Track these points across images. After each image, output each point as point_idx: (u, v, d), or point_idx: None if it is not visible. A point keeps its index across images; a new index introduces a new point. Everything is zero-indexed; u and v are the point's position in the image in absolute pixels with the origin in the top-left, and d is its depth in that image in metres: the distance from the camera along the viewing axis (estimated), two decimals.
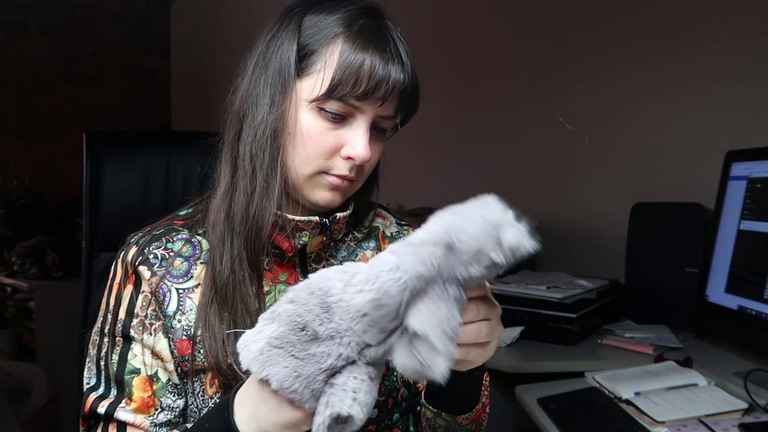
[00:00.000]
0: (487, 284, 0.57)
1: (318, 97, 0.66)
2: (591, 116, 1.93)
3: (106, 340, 0.71)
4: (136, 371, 0.69)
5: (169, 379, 0.70)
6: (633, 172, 1.83)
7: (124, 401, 0.68)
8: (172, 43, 4.14)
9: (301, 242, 0.73)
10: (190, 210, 0.79)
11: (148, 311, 0.70)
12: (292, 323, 0.49)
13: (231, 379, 0.67)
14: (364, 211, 0.83)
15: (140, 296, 0.70)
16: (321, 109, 0.67)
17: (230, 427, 0.55)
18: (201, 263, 0.72)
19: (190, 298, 0.70)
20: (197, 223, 0.75)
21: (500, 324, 0.58)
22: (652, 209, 1.65)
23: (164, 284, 0.70)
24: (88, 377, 0.72)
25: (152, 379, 0.69)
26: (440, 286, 0.48)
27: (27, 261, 2.88)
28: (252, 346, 0.50)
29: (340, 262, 0.79)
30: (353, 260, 0.80)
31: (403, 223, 0.88)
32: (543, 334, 1.50)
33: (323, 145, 0.68)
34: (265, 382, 0.50)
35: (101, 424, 0.69)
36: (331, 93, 0.66)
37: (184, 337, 0.69)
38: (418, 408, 0.82)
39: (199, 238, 0.74)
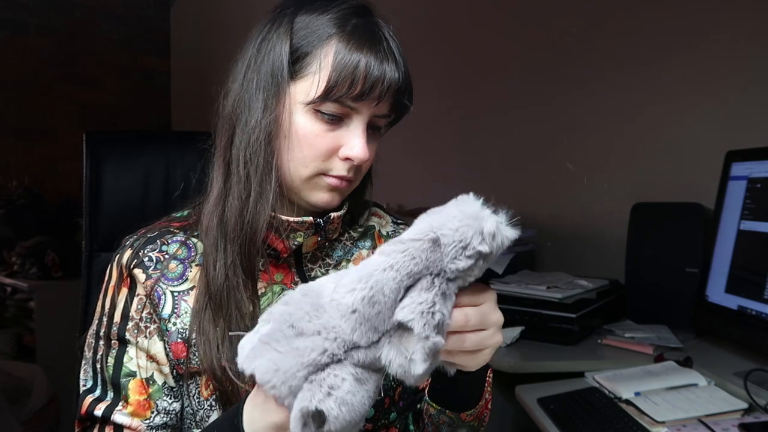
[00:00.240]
0: (492, 293, 0.56)
1: (314, 100, 0.66)
2: (591, 116, 1.93)
3: (101, 343, 0.71)
4: (132, 374, 0.69)
5: (164, 382, 0.70)
6: (633, 172, 1.83)
7: (120, 404, 0.68)
8: (172, 43, 4.14)
9: (295, 243, 0.72)
10: (185, 212, 0.78)
11: (143, 314, 0.70)
12: (282, 322, 0.50)
13: (226, 383, 0.67)
14: (359, 211, 0.83)
15: (135, 299, 0.70)
16: (317, 111, 0.67)
17: (238, 429, 0.56)
18: (196, 265, 0.72)
19: (185, 301, 0.70)
20: (192, 225, 0.75)
21: (498, 333, 0.56)
22: (652, 209, 1.65)
23: (159, 287, 0.70)
24: (84, 379, 0.72)
25: (148, 382, 0.69)
26: (428, 280, 0.50)
27: (27, 261, 2.89)
28: (247, 345, 0.50)
29: (336, 262, 0.79)
30: (349, 259, 0.80)
31: (399, 222, 0.88)
32: (543, 334, 1.50)
33: (320, 147, 0.68)
34: (260, 389, 0.51)
35: (98, 426, 0.69)
36: (327, 95, 0.65)
37: (179, 340, 0.69)
38: (418, 406, 0.82)
39: (194, 240, 0.74)
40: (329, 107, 0.66)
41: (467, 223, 0.50)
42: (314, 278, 0.67)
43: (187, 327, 0.69)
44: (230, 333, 0.67)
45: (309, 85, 0.66)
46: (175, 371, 0.70)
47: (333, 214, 0.73)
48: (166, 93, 4.12)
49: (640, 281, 1.65)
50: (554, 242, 2.01)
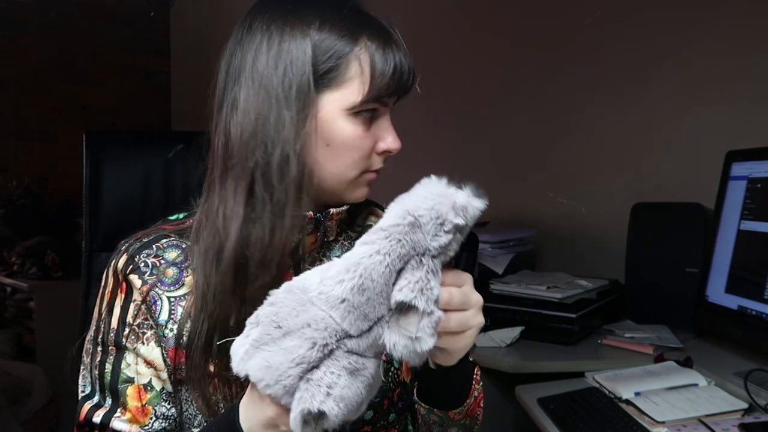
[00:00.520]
0: (469, 279, 0.59)
1: (361, 102, 0.66)
2: (591, 116, 1.93)
3: (99, 349, 0.71)
4: (130, 380, 0.69)
5: (163, 388, 0.70)
6: (633, 172, 1.83)
7: (119, 411, 0.68)
8: (172, 43, 4.14)
9: (293, 240, 0.71)
10: (180, 215, 0.78)
11: (140, 320, 0.69)
12: (269, 323, 0.51)
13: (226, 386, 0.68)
14: (358, 210, 0.83)
15: (132, 305, 0.70)
16: (357, 114, 0.67)
17: (234, 427, 0.56)
18: (192, 269, 0.71)
19: (182, 306, 0.70)
20: (188, 229, 0.73)
21: (480, 315, 0.59)
22: (652, 209, 1.65)
23: (155, 292, 0.69)
24: (83, 385, 0.72)
25: (146, 388, 0.69)
26: (416, 260, 0.52)
27: (27, 261, 2.88)
28: (239, 350, 0.51)
29: None
30: None
31: None
32: (543, 334, 1.50)
33: (365, 147, 0.69)
34: (254, 388, 0.51)
35: None
36: (370, 96, 0.66)
37: (175, 346, 0.69)
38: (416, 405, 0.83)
39: (189, 243, 0.72)
40: (368, 106, 0.67)
41: (439, 201, 0.53)
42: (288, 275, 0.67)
43: (184, 333, 0.68)
44: (218, 342, 0.66)
45: (349, 91, 0.66)
46: (173, 376, 0.69)
47: (332, 210, 0.72)
48: (166, 93, 4.12)
49: (640, 281, 1.65)
50: (554, 242, 2.01)
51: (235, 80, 0.68)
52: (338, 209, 0.73)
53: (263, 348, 0.50)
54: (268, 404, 0.52)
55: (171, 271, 0.71)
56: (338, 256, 0.78)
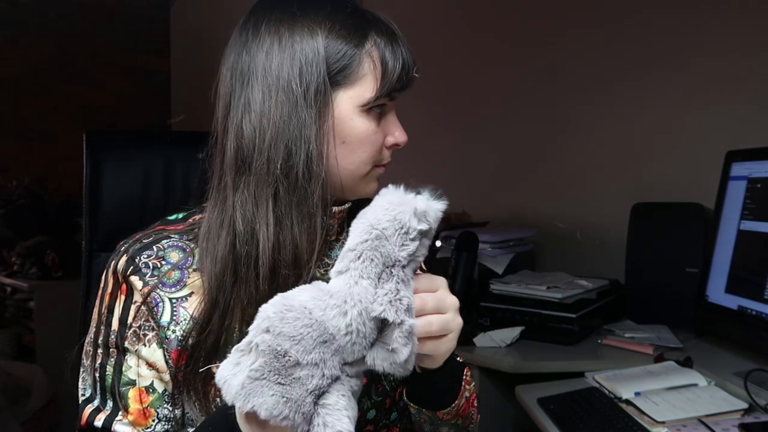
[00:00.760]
0: (442, 281, 0.62)
1: (375, 98, 0.67)
2: (591, 117, 1.94)
3: (100, 351, 0.70)
4: (132, 383, 0.68)
5: (165, 390, 0.69)
6: (633, 172, 1.83)
7: (120, 414, 0.68)
8: (172, 43, 4.14)
9: (321, 239, 0.71)
10: (180, 215, 0.77)
11: (141, 322, 0.69)
12: (272, 352, 0.50)
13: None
14: (357, 208, 0.83)
15: (132, 307, 0.69)
16: (370, 110, 0.68)
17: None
18: (194, 271, 0.70)
19: (184, 308, 0.69)
20: (189, 230, 0.73)
21: (458, 316, 0.61)
22: (652, 209, 1.65)
23: (157, 294, 0.69)
24: (83, 388, 0.72)
25: (148, 390, 0.68)
26: (386, 273, 0.54)
27: (27, 261, 2.88)
28: (232, 380, 0.50)
29: (335, 261, 0.78)
30: None
31: None
32: (543, 334, 1.51)
33: (377, 142, 0.70)
34: (251, 415, 0.50)
35: None
36: (382, 91, 0.67)
37: (179, 348, 0.68)
38: None
39: (191, 244, 0.72)
40: (380, 102, 0.68)
41: (400, 210, 0.55)
42: (313, 278, 0.67)
43: (186, 334, 0.68)
44: (200, 370, 0.66)
45: (363, 88, 0.67)
46: (175, 378, 0.69)
47: (335, 208, 0.72)
48: (166, 93, 4.12)
49: (640, 281, 1.65)
50: (554, 242, 2.01)
51: (245, 83, 0.67)
52: (340, 207, 0.73)
53: (270, 379, 0.49)
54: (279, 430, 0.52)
55: (173, 273, 0.70)
56: (338, 255, 0.78)
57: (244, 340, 0.51)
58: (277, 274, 0.66)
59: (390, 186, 0.58)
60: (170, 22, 4.13)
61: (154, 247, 0.71)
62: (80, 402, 0.71)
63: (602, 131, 1.91)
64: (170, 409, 0.69)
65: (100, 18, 3.76)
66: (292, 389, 0.49)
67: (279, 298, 0.53)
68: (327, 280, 0.57)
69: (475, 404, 0.80)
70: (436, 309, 0.59)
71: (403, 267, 0.55)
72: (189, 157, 1.08)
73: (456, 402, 0.73)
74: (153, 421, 0.68)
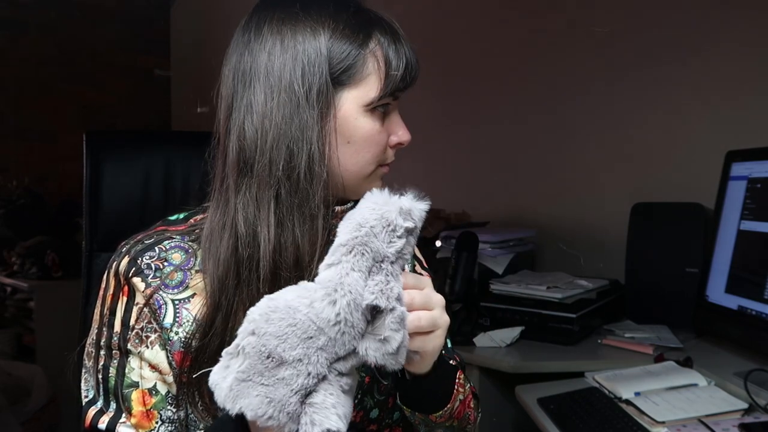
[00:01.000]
0: (428, 281, 0.63)
1: (378, 97, 0.67)
2: (591, 117, 1.93)
3: (102, 353, 0.70)
4: (135, 385, 0.68)
5: (168, 392, 0.69)
6: (633, 172, 1.83)
7: (124, 416, 0.68)
8: (172, 43, 4.14)
9: (324, 239, 0.70)
10: (181, 215, 0.77)
11: (144, 323, 0.68)
12: (257, 354, 0.51)
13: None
14: None
15: (134, 308, 0.69)
16: (374, 110, 0.68)
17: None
18: (196, 272, 0.70)
19: (187, 309, 0.69)
20: (191, 230, 0.73)
21: (444, 313, 0.62)
22: (652, 209, 1.65)
23: (159, 296, 0.68)
24: (86, 389, 0.71)
25: (151, 392, 0.68)
26: (376, 267, 0.56)
27: (27, 261, 2.89)
28: (222, 383, 0.51)
29: None
30: None
31: None
32: (543, 334, 1.51)
33: (382, 142, 0.70)
34: (240, 417, 0.51)
35: None
36: (387, 91, 0.67)
37: (182, 349, 0.68)
38: None
39: (193, 245, 0.72)
40: (384, 101, 0.68)
41: (386, 209, 0.57)
42: (314, 277, 0.67)
43: (189, 336, 0.68)
44: (194, 375, 0.66)
45: (367, 87, 0.67)
46: (178, 379, 0.69)
47: (338, 208, 0.72)
48: (166, 93, 4.12)
49: (640, 281, 1.65)
50: (554, 242, 2.01)
51: (247, 84, 0.67)
52: (343, 206, 0.73)
53: (255, 380, 0.50)
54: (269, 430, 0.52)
55: (175, 274, 0.69)
56: None
57: (233, 344, 0.52)
58: (278, 277, 0.66)
59: (375, 189, 0.60)
60: (170, 22, 4.14)
61: (156, 248, 0.70)
62: (83, 404, 0.71)
63: (602, 131, 1.91)
64: (173, 411, 0.69)
65: (100, 18, 3.76)
66: (276, 389, 0.50)
67: (265, 300, 0.53)
68: None
69: (472, 405, 0.80)
70: (423, 305, 0.60)
71: (392, 263, 0.57)
72: (189, 157, 1.08)
73: (449, 405, 0.72)
74: (156, 423, 0.68)
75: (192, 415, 0.70)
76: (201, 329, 0.67)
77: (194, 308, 0.69)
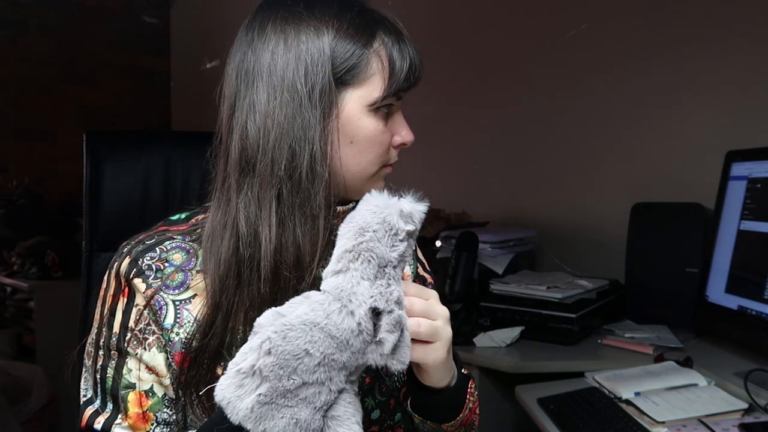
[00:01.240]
0: (433, 294, 0.63)
1: (382, 97, 0.67)
2: (592, 116, 1.93)
3: (101, 353, 0.70)
4: (132, 386, 0.68)
5: (165, 394, 0.69)
6: (633, 172, 1.83)
7: (119, 417, 0.68)
8: (172, 43, 4.14)
9: (325, 240, 0.70)
10: (182, 215, 0.76)
11: (142, 325, 0.68)
12: (277, 376, 0.50)
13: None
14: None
15: (134, 310, 0.68)
16: (377, 110, 0.68)
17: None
18: (197, 272, 0.70)
19: (188, 310, 0.69)
20: (192, 230, 0.73)
21: (448, 326, 0.62)
22: (652, 209, 1.65)
23: (160, 297, 0.68)
24: (85, 389, 0.72)
25: (147, 394, 0.68)
26: (380, 273, 0.56)
27: (27, 261, 2.88)
28: (238, 403, 0.50)
29: None
30: None
31: None
32: (543, 334, 1.51)
33: (385, 142, 0.70)
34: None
35: None
36: (390, 91, 0.67)
37: (183, 350, 0.68)
38: None
39: (194, 245, 0.71)
40: (387, 101, 0.68)
41: (387, 213, 0.57)
42: (315, 279, 0.67)
43: (190, 337, 0.67)
44: (200, 393, 0.66)
45: (371, 87, 0.66)
46: (178, 380, 0.68)
47: (339, 208, 0.72)
48: (166, 93, 4.12)
49: (640, 281, 1.65)
50: (554, 242, 2.01)
51: (250, 83, 0.66)
52: (344, 207, 0.72)
53: (278, 402, 0.50)
54: None
55: (176, 275, 0.69)
56: None
57: (246, 363, 0.51)
58: (279, 277, 0.65)
59: (374, 191, 0.60)
60: (170, 22, 4.14)
61: (158, 248, 0.70)
62: (81, 402, 0.71)
63: (602, 131, 1.91)
64: (169, 413, 0.69)
65: (100, 18, 3.76)
66: (300, 410, 0.50)
67: (274, 314, 0.53)
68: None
69: (477, 411, 0.80)
70: (424, 313, 0.60)
71: (394, 267, 0.57)
72: (189, 157, 1.08)
73: (461, 415, 0.73)
74: (152, 425, 0.68)
75: (190, 417, 0.70)
76: (201, 329, 0.67)
77: (195, 309, 0.68)
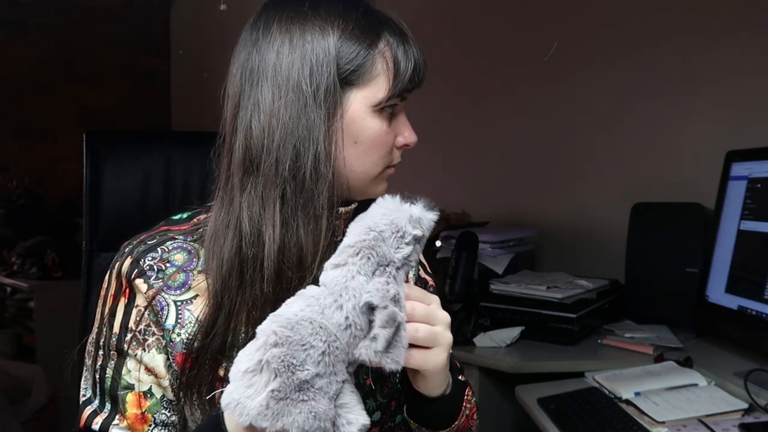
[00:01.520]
0: (435, 299, 0.63)
1: (387, 98, 0.66)
2: (591, 116, 1.94)
3: (101, 353, 0.70)
4: (130, 387, 0.68)
5: (163, 395, 0.69)
6: (633, 172, 1.83)
7: (117, 418, 0.68)
8: (172, 43, 4.14)
9: (327, 241, 0.70)
10: (184, 215, 0.76)
11: (142, 326, 0.68)
12: (288, 368, 0.50)
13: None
14: (363, 208, 0.83)
15: (134, 311, 0.68)
16: (382, 110, 0.68)
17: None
18: (198, 272, 0.70)
19: (189, 311, 0.68)
20: (193, 230, 0.72)
21: (448, 331, 0.62)
22: (652, 209, 1.65)
23: (162, 297, 0.68)
24: (85, 388, 0.72)
25: (146, 395, 0.68)
26: (380, 270, 0.56)
27: (27, 261, 2.88)
28: (248, 402, 0.49)
29: None
30: None
31: None
32: (543, 334, 1.51)
33: (389, 142, 0.70)
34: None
35: None
36: (395, 92, 0.67)
37: (184, 351, 0.68)
38: None
39: (195, 245, 0.71)
40: (392, 102, 0.68)
41: (396, 216, 0.59)
42: (316, 279, 0.66)
43: (191, 337, 0.67)
44: (206, 398, 0.66)
45: (376, 88, 0.66)
46: (179, 381, 0.68)
47: (341, 209, 0.71)
48: (166, 93, 4.12)
49: (640, 281, 1.65)
50: (554, 242, 2.01)
51: (254, 82, 0.66)
52: (346, 208, 0.72)
53: (294, 397, 0.49)
54: None
55: (177, 275, 0.69)
56: None
57: (252, 361, 0.50)
58: (281, 277, 0.65)
59: (387, 195, 0.61)
60: (170, 22, 4.14)
61: (159, 249, 0.70)
62: (80, 402, 0.71)
63: (602, 131, 1.91)
64: (168, 414, 0.69)
65: (100, 18, 3.76)
66: (317, 403, 0.50)
67: (273, 317, 0.53)
68: None
69: (475, 417, 0.80)
70: (424, 318, 0.59)
71: (397, 268, 0.57)
72: (189, 157, 1.08)
73: (456, 422, 0.73)
74: (150, 426, 0.68)
75: (192, 416, 0.69)
76: (203, 329, 0.67)
77: (196, 309, 0.68)
